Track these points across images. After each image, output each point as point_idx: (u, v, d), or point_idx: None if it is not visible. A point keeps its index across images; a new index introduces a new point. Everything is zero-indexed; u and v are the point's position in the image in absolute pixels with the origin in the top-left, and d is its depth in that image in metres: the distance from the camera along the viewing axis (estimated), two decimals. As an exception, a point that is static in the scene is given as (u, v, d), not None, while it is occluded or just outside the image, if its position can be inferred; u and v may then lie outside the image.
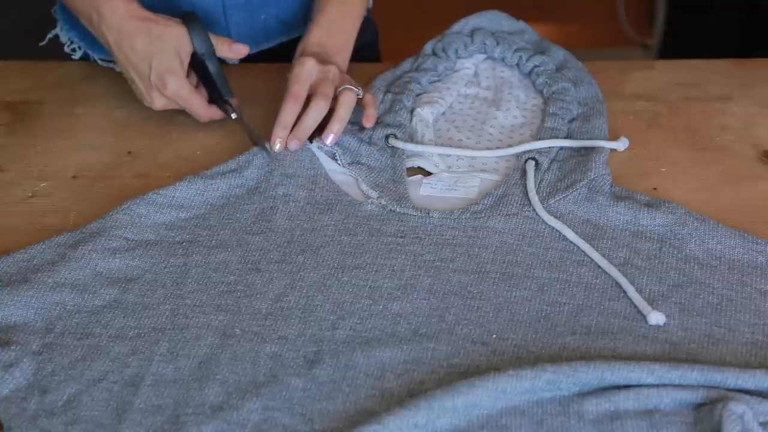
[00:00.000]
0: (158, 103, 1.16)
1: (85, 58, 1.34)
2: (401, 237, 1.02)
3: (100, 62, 1.32)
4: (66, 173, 1.15)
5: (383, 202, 1.06)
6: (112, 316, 0.95)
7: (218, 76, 1.17)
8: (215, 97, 1.18)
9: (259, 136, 1.14)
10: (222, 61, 1.19)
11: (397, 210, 1.05)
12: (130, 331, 0.93)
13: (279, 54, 1.31)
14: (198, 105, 1.16)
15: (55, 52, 1.36)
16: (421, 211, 1.05)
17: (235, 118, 1.18)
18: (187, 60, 1.15)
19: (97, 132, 1.22)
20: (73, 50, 1.34)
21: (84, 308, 0.95)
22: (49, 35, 1.36)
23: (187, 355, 0.91)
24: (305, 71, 1.13)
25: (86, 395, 0.87)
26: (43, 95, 1.28)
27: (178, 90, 1.14)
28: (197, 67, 1.17)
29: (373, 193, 1.07)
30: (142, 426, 0.85)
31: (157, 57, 1.13)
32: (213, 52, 1.17)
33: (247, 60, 1.25)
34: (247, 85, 1.24)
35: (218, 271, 0.99)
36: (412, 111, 1.18)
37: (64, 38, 1.34)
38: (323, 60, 1.15)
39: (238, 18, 1.31)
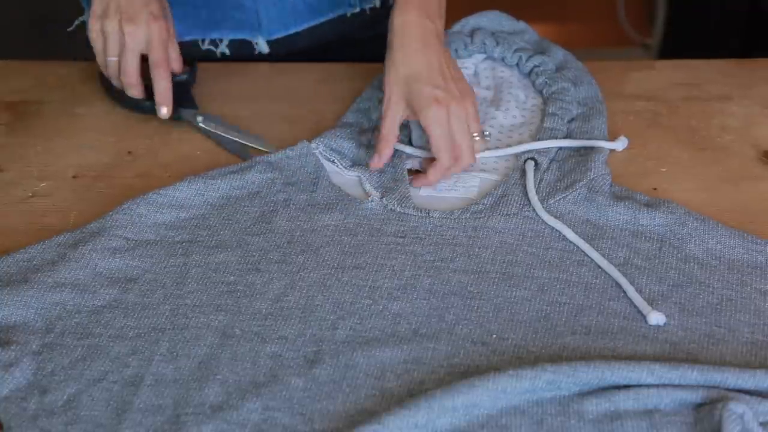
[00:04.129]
0: (134, 29, 1.16)
1: None
2: (401, 237, 1.02)
3: None
4: (66, 173, 1.15)
5: (385, 201, 1.06)
6: (112, 316, 0.95)
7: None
8: (182, 104, 1.22)
9: (239, 144, 1.17)
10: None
11: (398, 209, 1.05)
12: (130, 331, 0.93)
13: (308, 37, 1.32)
14: (161, 55, 1.17)
15: (55, 52, 1.36)
16: (421, 212, 1.05)
17: (205, 129, 1.19)
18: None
19: (97, 132, 1.22)
20: None
21: (84, 308, 0.95)
22: (77, 21, 1.37)
23: (187, 355, 0.91)
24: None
25: (86, 395, 0.87)
26: (43, 95, 1.28)
27: (164, 32, 1.17)
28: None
29: (377, 193, 1.07)
30: (142, 426, 0.85)
31: (160, 4, 1.17)
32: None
33: (276, 42, 1.27)
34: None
35: (218, 271, 0.99)
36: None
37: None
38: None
39: (267, 1, 1.31)
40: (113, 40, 1.17)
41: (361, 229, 1.03)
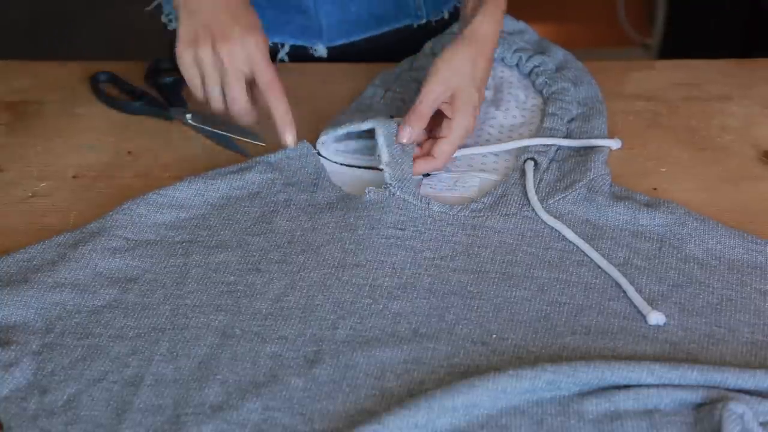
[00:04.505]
0: (229, 48, 1.02)
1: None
2: (401, 229, 1.02)
3: None
4: (66, 173, 1.15)
5: (387, 176, 1.05)
6: (112, 316, 0.95)
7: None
8: (173, 102, 1.23)
9: (230, 138, 1.16)
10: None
11: (398, 194, 1.05)
12: (130, 331, 0.93)
13: (370, 46, 1.30)
14: (270, 74, 1.04)
15: (55, 52, 1.36)
16: (421, 200, 1.04)
17: (194, 126, 1.20)
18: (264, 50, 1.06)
19: (97, 132, 1.22)
20: (170, 20, 1.36)
21: (84, 308, 0.96)
22: (155, 2, 1.37)
23: (187, 355, 0.91)
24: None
25: (86, 395, 0.87)
26: (43, 95, 1.28)
27: (264, 47, 1.04)
28: (156, 76, 1.25)
29: (388, 167, 1.06)
30: (142, 426, 0.85)
31: (251, 16, 1.05)
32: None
33: (337, 51, 1.28)
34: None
35: (218, 271, 0.99)
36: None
37: (167, 8, 1.36)
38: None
39: (328, 8, 1.30)
40: (210, 66, 1.04)
41: (361, 222, 1.03)
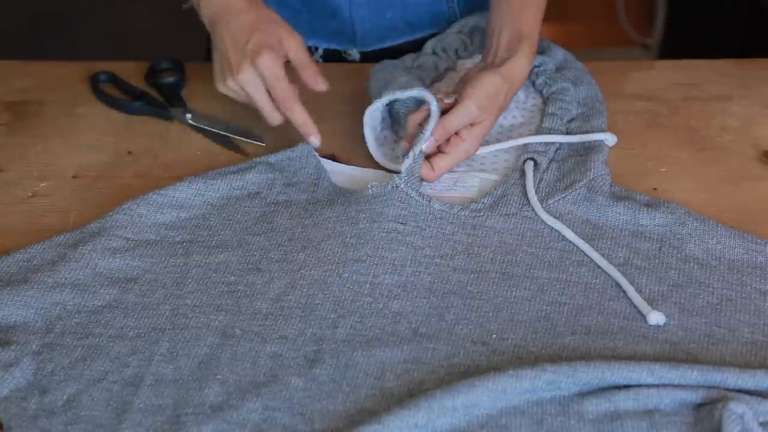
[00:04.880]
0: (243, 77, 1.07)
1: None
2: (402, 224, 1.02)
3: None
4: (66, 173, 1.15)
5: (407, 163, 1.06)
6: (112, 316, 0.95)
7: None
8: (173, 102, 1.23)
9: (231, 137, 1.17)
10: None
11: (402, 187, 1.05)
12: (130, 331, 0.93)
13: (403, 51, 1.29)
14: (282, 91, 1.08)
15: (55, 52, 1.36)
16: (423, 197, 1.04)
17: (194, 126, 1.20)
18: (284, 57, 1.09)
19: (97, 132, 1.22)
20: None
21: (84, 308, 0.96)
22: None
23: (187, 355, 0.91)
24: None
25: (86, 395, 0.88)
26: (43, 95, 1.28)
27: (271, 66, 1.06)
28: (156, 76, 1.25)
29: (407, 161, 1.06)
30: (142, 426, 0.85)
31: (261, 33, 1.07)
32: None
33: (371, 56, 1.29)
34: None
35: (218, 271, 0.99)
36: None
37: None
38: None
39: (363, 14, 1.31)
40: (240, 94, 1.10)
41: (363, 215, 1.03)
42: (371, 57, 1.33)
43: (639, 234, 1.02)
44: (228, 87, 1.10)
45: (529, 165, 1.09)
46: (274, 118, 1.11)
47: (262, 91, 1.09)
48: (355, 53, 1.33)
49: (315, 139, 1.10)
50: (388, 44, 1.34)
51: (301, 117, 1.09)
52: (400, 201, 1.04)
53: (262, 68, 1.07)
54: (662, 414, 0.83)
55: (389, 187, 1.05)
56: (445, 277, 0.97)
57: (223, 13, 1.10)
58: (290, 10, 1.28)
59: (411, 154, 1.07)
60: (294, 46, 1.09)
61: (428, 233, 1.02)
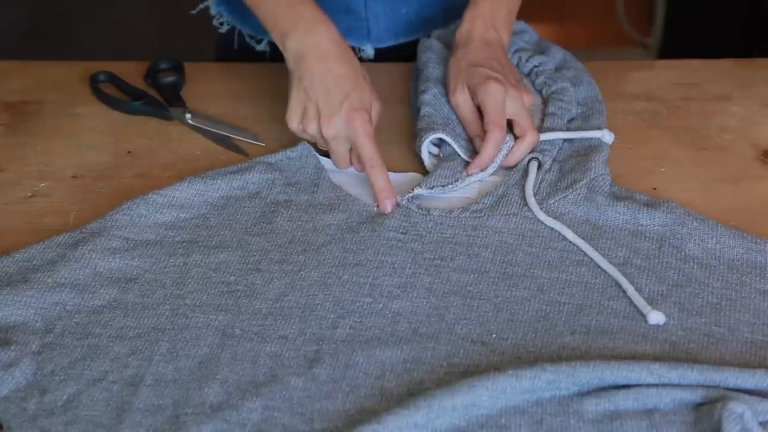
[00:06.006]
0: (332, 131, 1.08)
1: (230, 32, 1.36)
2: (402, 233, 1.02)
3: (247, 38, 1.35)
4: (66, 173, 1.15)
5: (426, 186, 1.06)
6: (112, 316, 0.95)
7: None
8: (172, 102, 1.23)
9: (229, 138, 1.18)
10: None
11: (403, 203, 1.05)
12: (130, 331, 0.93)
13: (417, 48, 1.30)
14: (371, 152, 1.08)
15: (55, 52, 1.36)
16: (422, 210, 1.05)
17: (194, 126, 1.21)
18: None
19: (97, 132, 1.22)
20: (221, 24, 1.36)
21: (84, 308, 0.96)
22: (201, 6, 1.37)
23: (187, 355, 0.91)
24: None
25: (86, 395, 0.88)
26: (43, 95, 1.28)
27: (366, 125, 1.08)
28: (156, 76, 1.26)
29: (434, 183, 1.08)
30: (142, 426, 0.85)
31: (360, 92, 1.09)
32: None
33: (385, 52, 1.30)
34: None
35: (218, 271, 0.99)
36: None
37: (214, 11, 1.36)
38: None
39: (378, 10, 1.31)
40: (317, 137, 1.11)
41: (364, 226, 1.03)
42: (385, 53, 1.33)
43: (639, 234, 1.02)
44: (306, 131, 1.10)
45: (534, 165, 1.09)
46: (347, 165, 1.12)
47: (346, 147, 1.10)
48: (369, 49, 1.33)
49: (389, 205, 1.07)
50: (402, 40, 1.34)
51: (382, 181, 1.07)
52: (401, 213, 1.04)
53: (357, 125, 1.07)
54: (662, 414, 0.83)
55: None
56: (445, 277, 0.97)
57: (314, 56, 1.09)
58: None
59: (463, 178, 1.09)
60: (377, 111, 1.11)
61: (428, 239, 1.02)
